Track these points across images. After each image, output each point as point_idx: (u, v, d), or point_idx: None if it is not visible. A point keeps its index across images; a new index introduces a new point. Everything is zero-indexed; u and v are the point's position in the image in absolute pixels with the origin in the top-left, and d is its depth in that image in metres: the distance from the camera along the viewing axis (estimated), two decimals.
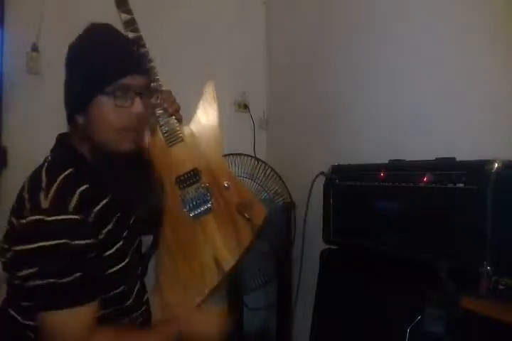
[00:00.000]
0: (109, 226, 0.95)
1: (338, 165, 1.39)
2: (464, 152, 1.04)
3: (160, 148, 1.28)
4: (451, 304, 0.90)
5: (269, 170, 2.02)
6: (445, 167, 1.02)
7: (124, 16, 1.35)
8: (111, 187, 0.97)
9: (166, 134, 1.29)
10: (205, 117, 1.38)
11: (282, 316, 1.94)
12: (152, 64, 1.28)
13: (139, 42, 1.28)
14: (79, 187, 0.91)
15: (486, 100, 1.18)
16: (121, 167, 0.97)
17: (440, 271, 0.94)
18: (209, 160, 1.35)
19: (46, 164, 0.97)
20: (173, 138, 1.30)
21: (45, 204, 0.86)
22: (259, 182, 2.00)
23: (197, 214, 1.29)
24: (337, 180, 1.35)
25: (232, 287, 1.93)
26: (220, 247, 1.26)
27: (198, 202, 1.29)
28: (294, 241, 1.97)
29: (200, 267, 1.25)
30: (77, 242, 0.85)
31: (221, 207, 1.31)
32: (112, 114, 0.94)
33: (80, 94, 0.96)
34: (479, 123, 1.19)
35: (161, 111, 1.28)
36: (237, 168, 1.99)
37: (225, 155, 1.97)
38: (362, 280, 1.23)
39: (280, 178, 2.01)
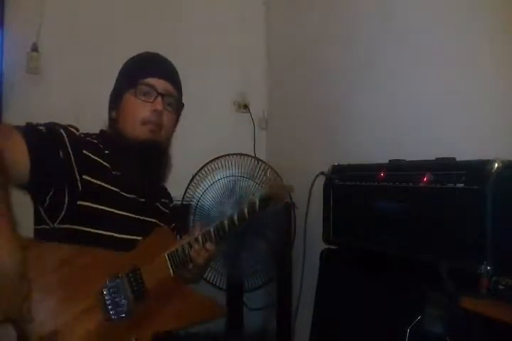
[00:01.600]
0: (95, 181, 1.05)
1: (338, 165, 1.39)
2: (464, 152, 1.04)
3: None
4: (451, 304, 0.90)
5: (269, 170, 2.02)
6: (445, 167, 1.02)
7: None
8: (122, 168, 1.09)
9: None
10: None
11: (282, 316, 1.94)
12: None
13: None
14: (95, 140, 1.11)
15: (486, 100, 1.18)
16: (135, 153, 1.09)
17: (440, 271, 0.94)
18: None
19: None
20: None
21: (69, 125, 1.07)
22: (259, 182, 2.00)
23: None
24: (337, 180, 1.35)
25: (233, 287, 1.93)
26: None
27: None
28: (294, 241, 1.97)
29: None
30: (59, 129, 1.03)
31: None
32: (135, 106, 1.10)
33: (114, 93, 1.17)
34: (479, 123, 1.18)
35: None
36: (237, 168, 1.99)
37: (225, 155, 1.97)
38: (362, 280, 1.22)
39: (280, 178, 2.01)
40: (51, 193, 1.00)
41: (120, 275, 1.00)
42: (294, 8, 2.17)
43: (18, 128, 0.97)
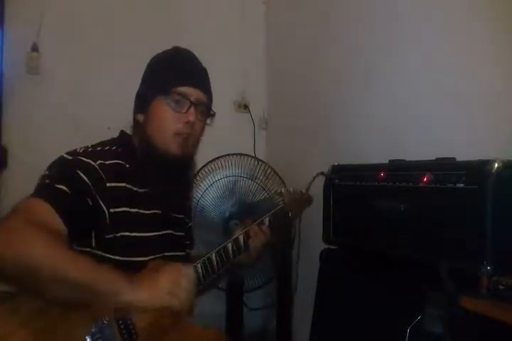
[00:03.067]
0: (122, 209, 1.00)
1: (338, 165, 1.39)
2: (464, 152, 1.04)
3: None
4: (451, 304, 0.90)
5: (269, 170, 2.02)
6: (445, 167, 1.01)
7: None
8: (150, 182, 1.06)
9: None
10: None
11: (282, 316, 1.94)
12: None
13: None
14: (115, 159, 1.02)
15: (486, 100, 1.18)
16: (163, 165, 1.06)
17: (440, 271, 0.94)
18: None
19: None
20: None
21: (80, 150, 1.01)
22: (259, 182, 2.00)
23: None
24: (337, 180, 1.35)
25: (232, 287, 1.93)
26: None
27: None
28: (294, 241, 1.97)
29: None
30: (79, 173, 0.94)
31: None
32: (167, 116, 1.05)
33: (143, 96, 1.10)
34: (479, 123, 1.19)
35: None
36: (237, 168, 1.99)
37: (225, 155, 1.97)
38: (362, 280, 1.22)
39: (280, 178, 2.01)
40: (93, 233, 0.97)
41: (106, 318, 0.87)
42: (294, 8, 2.17)
43: (40, 195, 0.90)
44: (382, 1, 1.57)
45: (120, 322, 0.88)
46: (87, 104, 1.96)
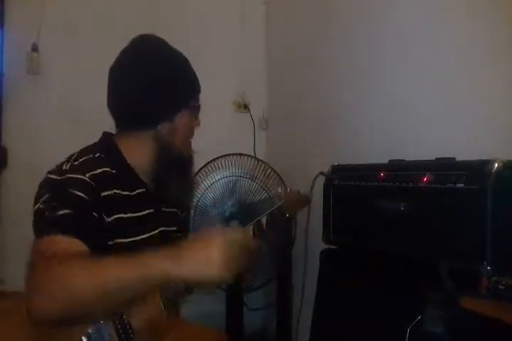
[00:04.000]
0: (117, 216, 0.97)
1: (338, 165, 1.39)
2: (464, 152, 1.04)
3: None
4: (451, 304, 0.90)
5: (269, 170, 2.02)
6: (445, 167, 1.02)
7: None
8: (169, 184, 1.08)
9: None
10: None
11: (282, 316, 1.94)
12: None
13: None
14: (102, 167, 0.98)
15: (485, 100, 1.18)
16: (183, 167, 1.12)
17: (440, 271, 0.94)
18: None
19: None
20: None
21: (66, 166, 0.95)
22: (259, 182, 2.00)
23: None
24: (337, 180, 1.35)
25: (232, 287, 1.93)
26: None
27: None
28: (294, 241, 1.97)
29: None
30: (74, 192, 0.90)
31: None
32: (192, 127, 1.13)
33: (169, 104, 1.06)
34: (479, 123, 1.19)
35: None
36: (237, 168, 1.99)
37: (225, 156, 1.97)
38: (362, 280, 1.22)
39: (280, 178, 2.02)
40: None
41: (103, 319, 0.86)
42: (294, 8, 2.17)
43: (48, 232, 0.86)
44: (382, 1, 1.57)
45: (117, 322, 0.87)
46: (87, 104, 1.96)
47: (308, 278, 1.67)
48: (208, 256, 0.78)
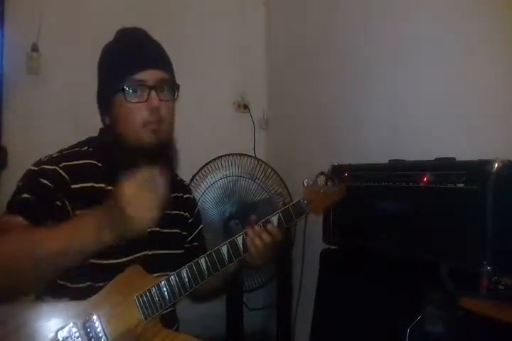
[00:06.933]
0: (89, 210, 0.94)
1: (338, 165, 1.39)
2: (464, 152, 1.04)
3: None
4: (451, 304, 0.90)
5: (269, 170, 2.02)
6: (445, 167, 1.02)
7: None
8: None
9: None
10: None
11: (282, 316, 1.94)
12: None
13: None
14: (84, 159, 1.00)
15: (485, 100, 1.18)
16: (139, 156, 0.97)
17: (440, 271, 0.94)
18: None
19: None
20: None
21: (45, 158, 0.99)
22: (259, 182, 2.00)
23: None
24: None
25: (232, 287, 1.93)
26: None
27: None
28: (294, 241, 1.97)
29: None
30: (41, 180, 0.94)
31: None
32: (130, 110, 0.98)
33: (102, 96, 1.04)
34: (479, 123, 1.19)
35: None
36: (237, 168, 1.99)
37: (225, 155, 1.97)
38: (362, 280, 1.22)
39: (280, 178, 2.02)
40: None
41: (73, 323, 0.85)
42: (294, 8, 2.17)
43: (8, 211, 0.92)
44: (382, 2, 1.57)
45: (89, 330, 0.86)
46: (87, 104, 1.95)
47: (309, 278, 1.67)
48: (121, 206, 0.76)
